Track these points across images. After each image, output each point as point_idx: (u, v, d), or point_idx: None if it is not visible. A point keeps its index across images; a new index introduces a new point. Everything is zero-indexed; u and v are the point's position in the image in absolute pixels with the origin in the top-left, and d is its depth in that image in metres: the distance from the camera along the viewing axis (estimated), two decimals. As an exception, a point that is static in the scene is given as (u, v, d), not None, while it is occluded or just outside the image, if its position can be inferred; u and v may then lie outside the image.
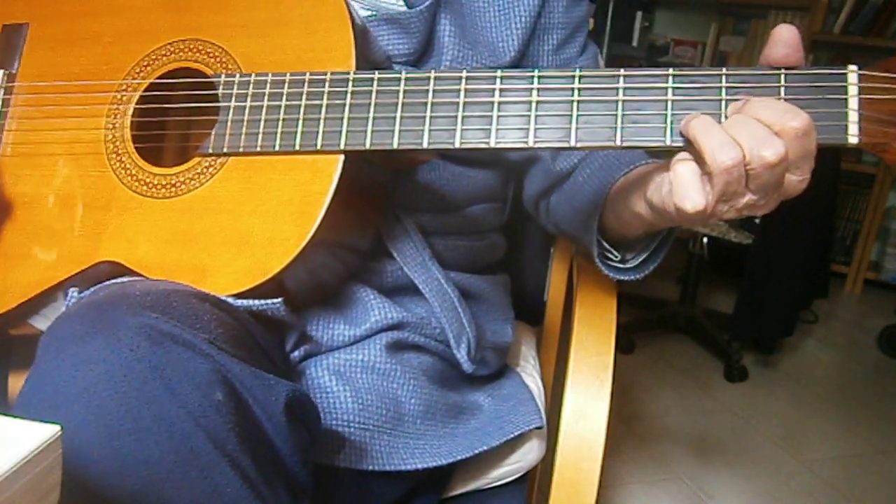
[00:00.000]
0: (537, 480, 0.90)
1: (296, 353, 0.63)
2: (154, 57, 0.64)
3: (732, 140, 0.47)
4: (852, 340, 2.56)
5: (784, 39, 0.50)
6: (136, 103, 0.63)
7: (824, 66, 0.50)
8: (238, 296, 0.55)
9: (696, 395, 2.03)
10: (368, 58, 0.61)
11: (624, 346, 2.23)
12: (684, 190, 0.49)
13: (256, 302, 0.55)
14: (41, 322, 0.64)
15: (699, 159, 0.49)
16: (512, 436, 0.70)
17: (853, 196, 2.98)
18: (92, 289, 0.58)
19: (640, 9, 3.15)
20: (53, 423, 0.39)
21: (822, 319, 2.62)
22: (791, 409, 2.02)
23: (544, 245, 1.00)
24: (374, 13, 0.68)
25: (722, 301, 2.59)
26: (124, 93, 0.64)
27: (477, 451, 0.67)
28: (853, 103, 0.50)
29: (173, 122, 0.65)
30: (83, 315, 0.45)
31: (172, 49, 0.63)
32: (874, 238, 2.96)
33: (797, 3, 2.95)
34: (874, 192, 2.91)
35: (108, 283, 0.58)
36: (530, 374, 0.86)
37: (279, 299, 0.56)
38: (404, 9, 0.68)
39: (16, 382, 0.67)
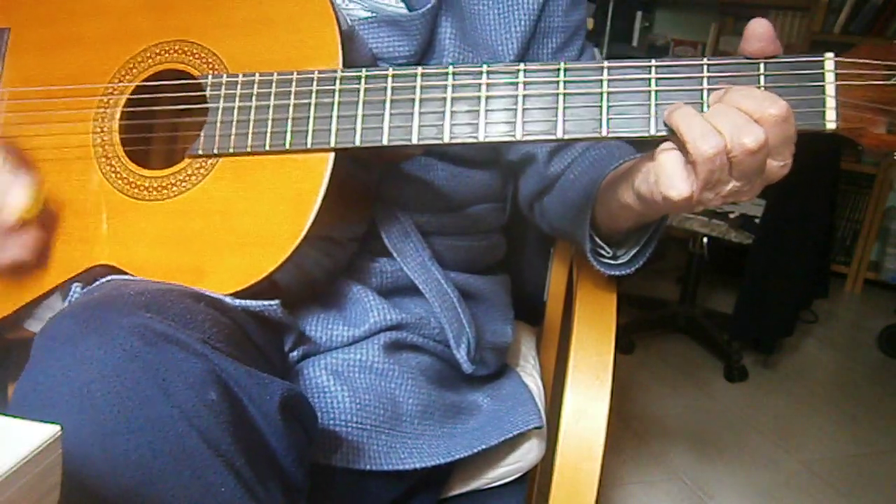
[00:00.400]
0: (537, 480, 0.90)
1: (294, 354, 0.63)
2: (139, 59, 0.64)
3: (714, 129, 0.48)
4: (852, 340, 2.56)
5: (758, 34, 0.51)
6: (124, 106, 0.63)
7: (802, 54, 0.51)
8: (234, 295, 0.55)
9: (695, 395, 2.03)
10: (355, 58, 0.61)
11: (624, 346, 2.23)
12: (669, 179, 0.50)
13: (254, 303, 0.55)
14: (37, 325, 0.63)
15: (683, 148, 0.50)
16: (511, 435, 0.70)
17: (853, 196, 2.98)
18: (92, 286, 0.58)
19: (640, 9, 3.16)
20: (48, 422, 0.39)
21: (822, 319, 2.62)
22: (791, 408, 2.02)
23: (544, 245, 1.00)
24: (374, 14, 0.68)
25: (722, 301, 2.59)
26: (111, 96, 0.63)
27: (475, 451, 0.67)
28: (830, 90, 0.51)
29: (161, 124, 0.65)
30: (77, 315, 0.45)
31: (158, 51, 0.63)
32: (874, 238, 2.96)
33: (797, 3, 2.96)
34: (874, 192, 2.91)
35: (103, 280, 0.58)
36: (530, 373, 0.86)
37: (276, 301, 0.56)
38: (405, 11, 0.68)
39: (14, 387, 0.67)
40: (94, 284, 0.58)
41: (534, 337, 0.99)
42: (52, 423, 0.40)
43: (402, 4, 0.69)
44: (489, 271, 0.82)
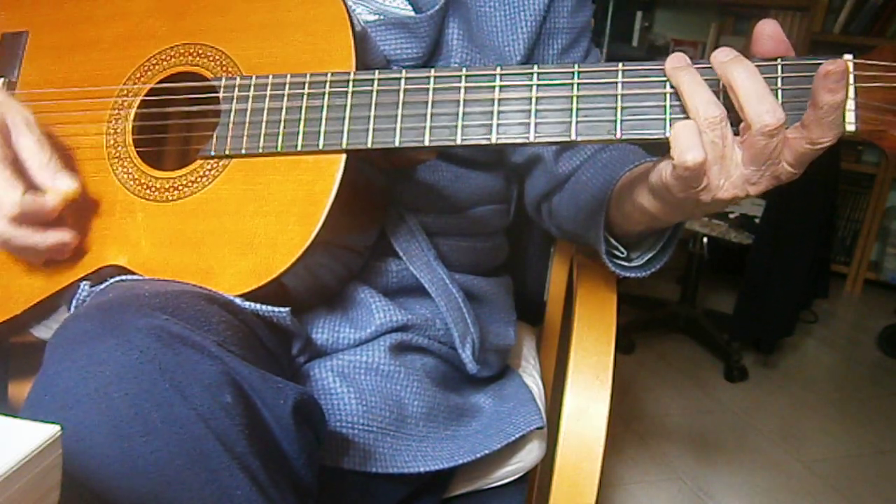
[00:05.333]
0: (537, 480, 0.90)
1: (301, 358, 0.63)
2: (154, 62, 0.64)
3: (717, 100, 0.49)
4: (852, 340, 2.56)
5: (768, 34, 0.51)
6: (137, 108, 0.63)
7: (820, 55, 0.51)
8: (243, 297, 0.55)
9: (696, 395, 2.03)
10: (367, 61, 0.61)
11: (624, 346, 2.23)
12: (684, 144, 0.49)
13: (264, 307, 0.55)
14: (42, 331, 0.63)
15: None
16: (513, 438, 0.70)
17: (853, 196, 2.98)
18: (102, 286, 0.58)
19: (640, 9, 3.15)
20: (64, 423, 0.39)
21: (822, 319, 2.62)
22: (791, 408, 2.02)
23: (545, 245, 1.00)
24: (380, 17, 0.68)
25: (722, 301, 2.59)
26: (125, 98, 0.64)
27: (478, 455, 0.67)
28: (850, 91, 0.50)
29: (174, 125, 0.65)
30: (93, 316, 0.45)
31: (172, 53, 0.63)
32: (874, 238, 2.96)
33: (797, 3, 2.95)
34: (874, 192, 2.91)
35: (116, 279, 0.58)
36: (530, 374, 0.86)
37: (287, 309, 0.56)
38: (412, 13, 0.68)
39: (13, 390, 0.67)
40: (104, 284, 0.58)
41: (534, 337, 0.99)
42: (69, 423, 0.40)
43: (408, 6, 0.69)
44: (492, 273, 0.82)
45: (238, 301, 0.54)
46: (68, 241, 0.59)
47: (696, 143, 0.49)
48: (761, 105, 0.48)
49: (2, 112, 0.57)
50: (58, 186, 0.57)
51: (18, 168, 0.56)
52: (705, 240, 2.17)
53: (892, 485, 1.71)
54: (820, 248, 2.15)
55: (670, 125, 0.52)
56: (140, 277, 0.58)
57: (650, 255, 0.68)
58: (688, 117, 0.51)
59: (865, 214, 2.95)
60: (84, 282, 0.59)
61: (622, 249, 0.68)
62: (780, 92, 0.51)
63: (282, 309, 0.56)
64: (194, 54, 0.63)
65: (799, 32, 2.98)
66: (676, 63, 0.51)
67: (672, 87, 0.52)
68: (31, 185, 0.56)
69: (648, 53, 3.22)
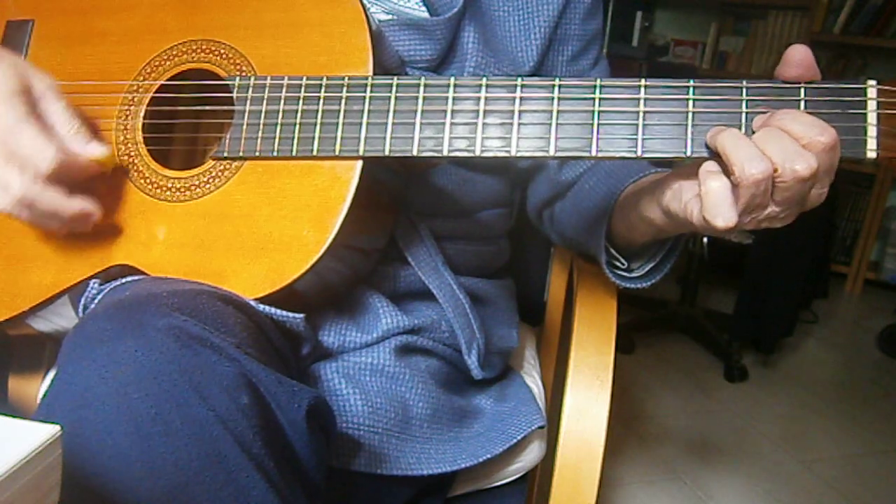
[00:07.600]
0: (538, 480, 0.90)
1: (308, 360, 0.63)
2: (165, 57, 0.63)
3: (761, 153, 0.47)
4: (852, 340, 2.56)
5: (797, 60, 0.50)
6: (148, 105, 0.62)
7: (843, 80, 0.50)
8: (256, 300, 0.55)
9: (696, 395, 2.03)
10: (384, 63, 0.61)
11: (624, 346, 2.23)
12: (717, 207, 0.49)
13: (279, 312, 0.55)
14: (40, 323, 0.63)
15: (727, 171, 0.49)
16: (515, 441, 0.69)
17: (853, 196, 2.98)
18: (114, 284, 0.58)
19: (640, 9, 3.16)
20: (83, 422, 0.39)
21: (822, 319, 2.62)
22: (791, 409, 2.02)
23: (545, 245, 1.00)
24: (393, 17, 0.68)
25: (722, 301, 2.59)
26: (135, 94, 0.63)
27: (481, 460, 0.66)
28: (872, 118, 0.50)
29: (183, 124, 0.65)
30: (111, 315, 0.45)
31: (184, 49, 0.62)
32: (874, 238, 2.96)
33: (797, 3, 2.96)
34: (874, 192, 2.91)
35: (130, 279, 0.58)
36: (530, 374, 0.86)
37: (301, 315, 0.56)
38: (426, 15, 0.68)
39: (15, 384, 0.67)
40: (117, 283, 0.58)
41: (534, 337, 0.99)
42: (88, 422, 0.40)
43: (422, 7, 0.69)
44: (495, 275, 0.82)
45: (253, 303, 0.54)
46: (92, 212, 0.57)
47: (729, 204, 0.49)
48: (747, 165, 0.47)
49: (25, 76, 0.55)
50: (90, 151, 0.56)
51: (48, 131, 0.55)
52: (705, 240, 2.17)
53: (892, 485, 1.71)
54: (820, 248, 2.16)
55: (691, 144, 0.51)
56: (155, 277, 0.58)
57: (650, 266, 0.68)
58: (706, 144, 0.51)
59: (865, 214, 2.95)
60: (93, 280, 0.59)
61: (623, 260, 0.68)
62: None
63: (296, 315, 0.56)
64: (206, 51, 0.62)
65: (799, 32, 2.98)
66: (715, 130, 0.50)
67: (694, 106, 0.51)
68: (62, 149, 0.55)
69: (648, 53, 3.22)
